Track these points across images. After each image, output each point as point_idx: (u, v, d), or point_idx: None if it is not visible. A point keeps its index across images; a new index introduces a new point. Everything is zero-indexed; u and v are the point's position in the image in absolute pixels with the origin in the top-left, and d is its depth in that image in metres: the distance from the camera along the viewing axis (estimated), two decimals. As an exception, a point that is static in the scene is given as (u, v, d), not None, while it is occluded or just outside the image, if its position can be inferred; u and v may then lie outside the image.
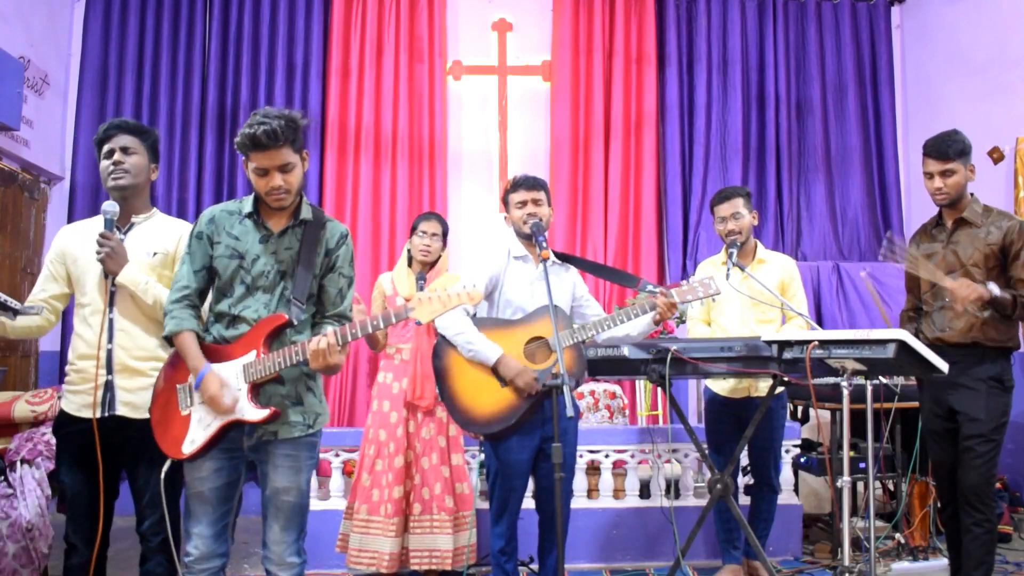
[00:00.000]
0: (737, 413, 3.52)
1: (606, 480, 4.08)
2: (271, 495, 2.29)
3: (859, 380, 3.07)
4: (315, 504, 3.62)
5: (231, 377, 2.22)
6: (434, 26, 5.98)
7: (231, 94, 5.86)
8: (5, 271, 4.98)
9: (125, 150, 2.55)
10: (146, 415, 2.42)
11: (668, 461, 4.04)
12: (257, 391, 2.24)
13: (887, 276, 5.81)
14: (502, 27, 6.15)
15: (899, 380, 3.85)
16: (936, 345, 2.97)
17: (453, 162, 6.03)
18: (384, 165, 5.87)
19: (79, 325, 2.53)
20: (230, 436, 2.25)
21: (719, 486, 3.16)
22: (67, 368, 2.56)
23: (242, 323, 2.27)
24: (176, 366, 2.32)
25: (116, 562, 2.77)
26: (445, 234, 3.67)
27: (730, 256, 3.39)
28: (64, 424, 2.55)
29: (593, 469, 4.13)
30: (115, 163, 2.53)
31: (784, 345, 2.95)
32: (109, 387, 2.47)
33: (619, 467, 4.12)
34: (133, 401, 2.47)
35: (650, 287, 2.93)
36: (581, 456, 3.97)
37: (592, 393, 4.50)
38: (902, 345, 2.60)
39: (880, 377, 3.47)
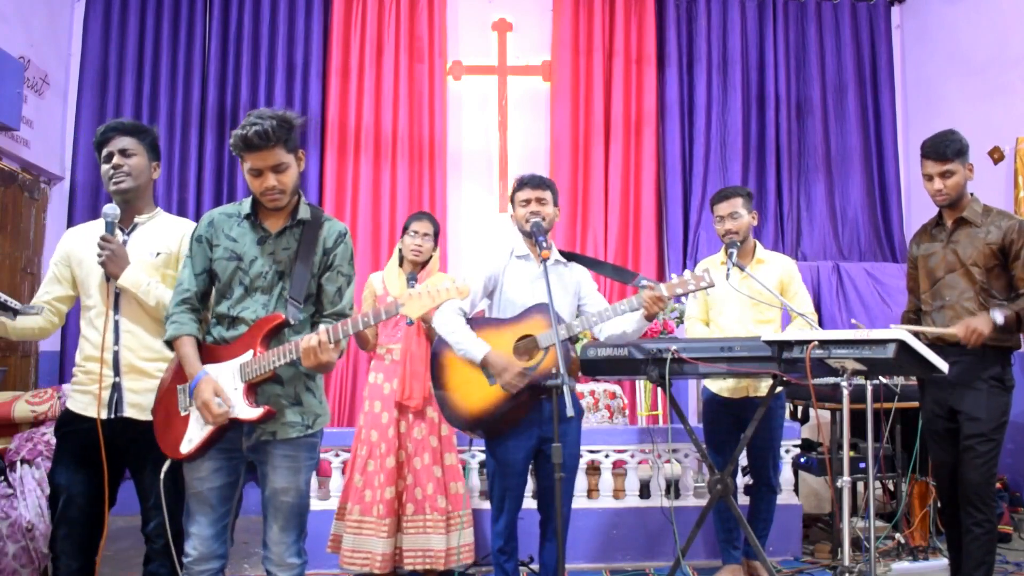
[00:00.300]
0: (736, 413, 3.52)
1: (606, 480, 4.08)
2: (270, 496, 2.29)
3: (859, 380, 3.07)
4: (315, 504, 3.62)
5: (228, 376, 2.23)
6: (434, 26, 5.98)
7: (231, 94, 5.86)
8: (5, 271, 4.98)
9: (124, 152, 2.53)
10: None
11: (668, 461, 4.04)
12: (254, 391, 2.24)
13: (887, 276, 5.82)
14: (502, 27, 6.16)
15: (899, 380, 3.85)
16: (936, 345, 2.96)
17: (453, 162, 6.04)
18: (384, 165, 5.87)
19: (85, 327, 2.53)
20: (228, 436, 2.25)
21: (719, 486, 3.16)
22: (75, 369, 2.55)
23: (241, 324, 2.27)
24: (180, 368, 2.32)
25: (116, 562, 2.77)
26: (436, 234, 3.67)
27: (730, 256, 3.39)
28: (68, 422, 2.53)
29: (593, 469, 4.13)
30: (115, 167, 2.52)
31: (784, 345, 2.94)
32: (117, 388, 2.45)
33: (619, 467, 4.12)
34: (141, 403, 2.46)
35: (645, 281, 2.85)
36: (581, 456, 3.97)
37: (592, 393, 4.50)
38: (902, 345, 2.60)
39: (880, 377, 3.47)
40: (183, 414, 2.27)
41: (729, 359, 3.08)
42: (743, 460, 3.80)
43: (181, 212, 5.64)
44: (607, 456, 4.07)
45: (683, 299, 4.10)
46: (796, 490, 4.20)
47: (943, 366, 2.70)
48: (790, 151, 6.16)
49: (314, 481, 3.89)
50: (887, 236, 6.18)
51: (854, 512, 4.31)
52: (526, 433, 2.92)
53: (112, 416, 2.44)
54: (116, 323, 2.48)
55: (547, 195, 3.04)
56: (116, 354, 2.46)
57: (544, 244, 2.86)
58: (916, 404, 3.43)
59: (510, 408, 2.83)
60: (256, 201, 2.32)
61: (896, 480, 4.17)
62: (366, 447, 3.51)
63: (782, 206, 6.15)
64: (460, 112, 6.12)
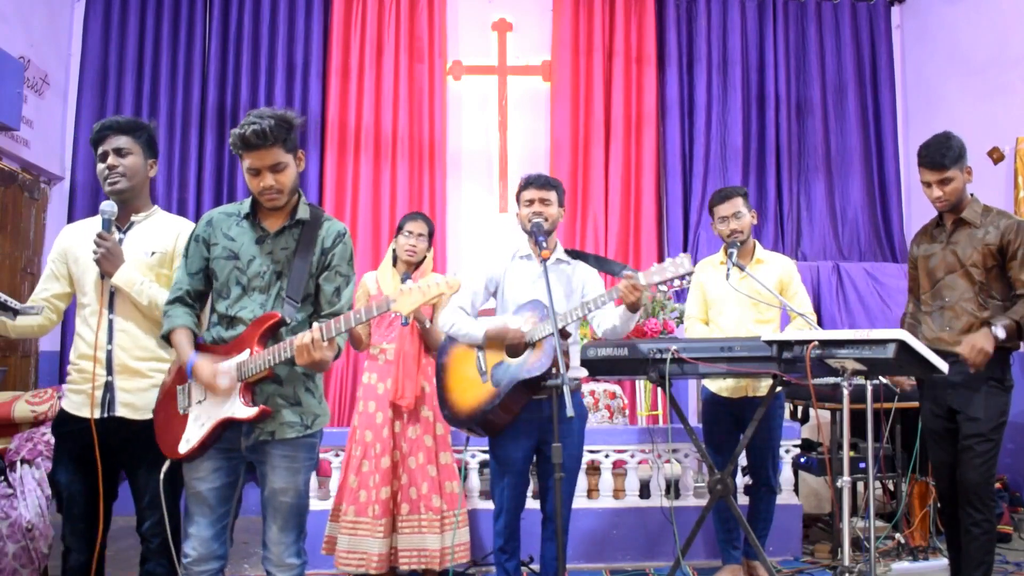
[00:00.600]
0: (736, 413, 3.52)
1: (606, 480, 4.08)
2: (269, 496, 2.29)
3: (859, 380, 3.07)
4: (314, 504, 3.62)
5: None
6: (434, 26, 5.98)
7: (231, 94, 5.86)
8: (5, 271, 4.98)
9: (119, 151, 2.52)
10: (146, 416, 2.43)
11: (668, 461, 4.04)
12: (251, 390, 2.23)
13: (887, 276, 5.82)
14: (502, 27, 6.16)
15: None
16: (935, 345, 2.96)
17: (453, 162, 6.04)
18: (384, 165, 5.87)
19: (80, 325, 2.53)
20: (227, 436, 2.25)
21: (719, 486, 3.16)
22: (69, 367, 2.55)
23: (239, 324, 2.27)
24: (180, 369, 2.32)
25: (116, 562, 2.77)
26: (431, 235, 3.67)
27: (729, 256, 3.39)
28: (64, 423, 2.54)
29: (593, 469, 4.13)
30: (110, 167, 2.51)
31: (784, 345, 2.94)
32: (109, 388, 2.46)
33: (619, 467, 4.12)
34: (133, 402, 2.47)
35: (626, 271, 2.76)
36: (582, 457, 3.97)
37: (592, 393, 4.50)
38: (902, 345, 2.60)
39: (880, 377, 3.47)
40: (182, 414, 2.27)
41: (729, 359, 3.07)
42: (743, 460, 3.80)
43: (181, 212, 5.64)
44: (607, 456, 4.07)
45: (680, 296, 4.09)
46: (796, 490, 4.20)
47: (943, 366, 2.69)
48: (790, 151, 6.16)
49: (314, 481, 3.89)
50: (887, 236, 6.18)
51: (854, 512, 4.30)
52: (525, 432, 2.93)
53: (105, 415, 2.44)
54: (110, 322, 2.48)
55: (552, 196, 3.04)
56: (109, 353, 2.47)
57: (544, 244, 2.86)
58: (916, 404, 3.43)
59: (498, 404, 2.82)
60: (256, 201, 2.32)
61: (896, 480, 4.17)
62: (360, 447, 3.51)
63: (782, 206, 6.15)
64: (460, 112, 6.12)
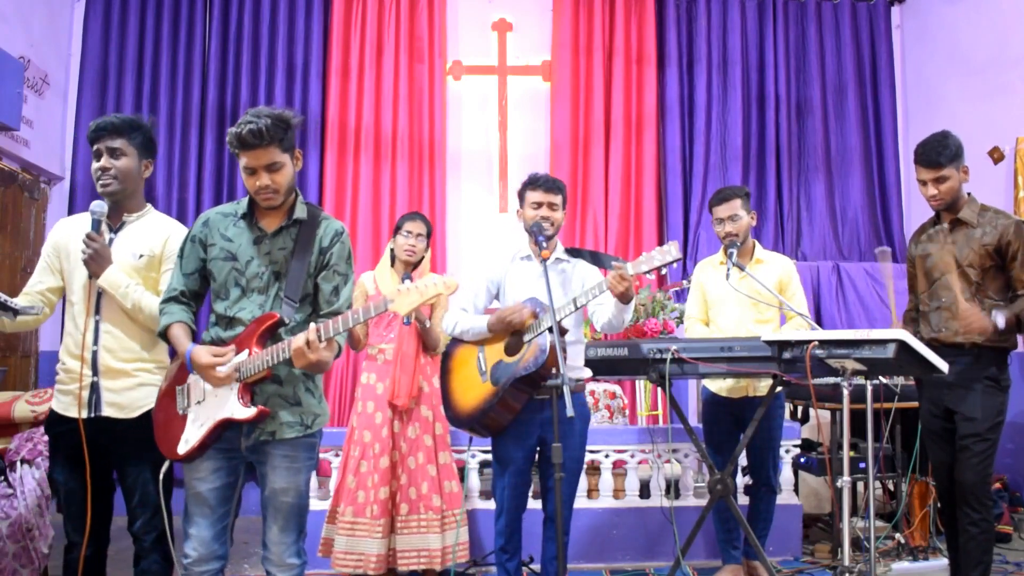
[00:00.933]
0: (736, 413, 3.52)
1: (606, 480, 4.08)
2: (269, 496, 2.29)
3: (859, 380, 3.07)
4: (314, 504, 3.62)
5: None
6: (434, 26, 5.98)
7: (231, 94, 5.86)
8: (5, 271, 4.98)
9: (113, 152, 2.50)
10: (132, 415, 2.44)
11: (668, 461, 4.04)
12: (250, 390, 2.23)
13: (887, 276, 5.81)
14: (502, 27, 6.15)
15: (899, 380, 3.85)
16: (933, 345, 2.96)
17: (453, 162, 6.04)
18: (384, 165, 5.87)
19: (68, 323, 2.53)
20: (227, 437, 2.24)
21: (719, 486, 3.16)
22: (57, 367, 2.55)
23: (238, 325, 2.26)
24: (180, 368, 2.32)
25: (115, 562, 2.76)
26: (429, 235, 3.67)
27: (729, 256, 3.39)
28: (54, 423, 2.55)
29: (593, 469, 4.13)
30: (102, 168, 2.49)
31: (784, 345, 2.94)
32: (95, 388, 2.46)
33: (619, 467, 4.12)
34: (119, 402, 2.47)
35: (615, 262, 2.76)
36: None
37: (592, 393, 4.50)
38: (902, 345, 2.60)
39: (880, 377, 3.47)
40: (181, 415, 2.27)
41: (729, 359, 3.08)
42: (743, 460, 3.80)
43: (181, 212, 5.65)
44: (607, 456, 4.07)
45: (679, 296, 4.09)
46: (796, 490, 4.20)
47: (943, 366, 2.70)
48: (790, 151, 6.16)
49: (313, 481, 3.89)
50: (887, 236, 6.18)
51: (854, 512, 4.30)
52: (527, 432, 2.94)
53: (91, 415, 2.44)
54: (96, 323, 2.47)
55: (559, 200, 3.03)
56: (95, 354, 2.47)
57: (544, 244, 2.87)
58: (916, 404, 3.43)
59: (498, 403, 2.82)
60: (253, 200, 2.31)
61: (896, 480, 4.17)
62: (359, 448, 3.50)
63: (782, 206, 6.15)
64: (460, 112, 6.11)
